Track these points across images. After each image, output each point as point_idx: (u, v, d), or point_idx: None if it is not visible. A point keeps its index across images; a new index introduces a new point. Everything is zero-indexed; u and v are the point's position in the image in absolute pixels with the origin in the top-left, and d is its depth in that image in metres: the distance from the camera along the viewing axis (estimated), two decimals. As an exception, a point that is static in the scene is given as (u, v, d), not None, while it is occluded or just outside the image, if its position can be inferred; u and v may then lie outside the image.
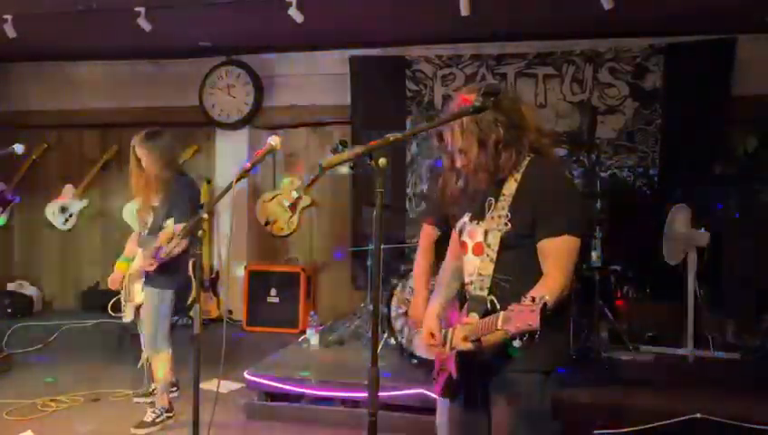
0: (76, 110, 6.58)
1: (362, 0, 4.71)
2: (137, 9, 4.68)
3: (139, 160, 3.84)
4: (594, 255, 4.60)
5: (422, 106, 5.91)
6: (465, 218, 2.13)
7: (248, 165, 2.74)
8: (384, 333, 4.45)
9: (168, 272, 3.76)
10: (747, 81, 5.12)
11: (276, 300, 5.72)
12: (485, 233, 2.03)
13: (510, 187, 2.01)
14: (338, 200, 6.14)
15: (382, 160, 1.85)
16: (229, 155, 6.25)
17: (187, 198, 3.82)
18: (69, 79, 6.57)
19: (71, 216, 6.61)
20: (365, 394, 1.92)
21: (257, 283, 5.78)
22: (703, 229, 4.55)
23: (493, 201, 2.03)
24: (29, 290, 6.58)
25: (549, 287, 1.88)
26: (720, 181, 5.12)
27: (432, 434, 2.36)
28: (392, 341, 4.39)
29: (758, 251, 5.06)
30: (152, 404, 3.91)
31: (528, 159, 2.02)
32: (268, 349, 4.90)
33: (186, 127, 6.25)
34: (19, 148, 3.89)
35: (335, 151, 5.21)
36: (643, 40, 5.40)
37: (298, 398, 4.01)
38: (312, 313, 5.18)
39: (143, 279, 3.83)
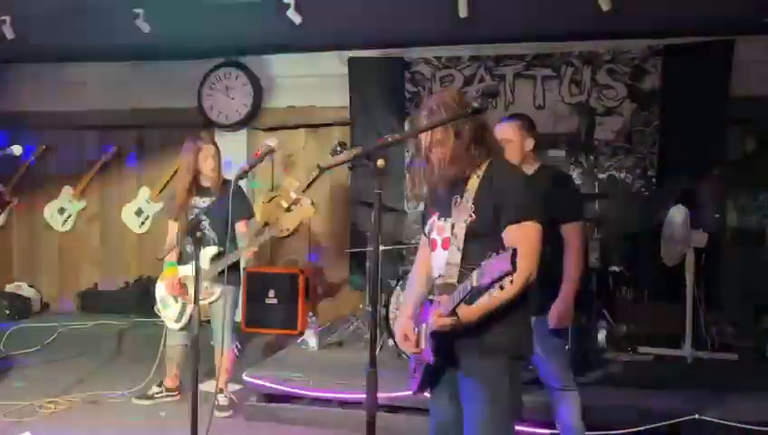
0: (74, 111, 6.58)
1: (361, 1, 4.71)
2: (135, 10, 4.69)
3: (196, 160, 3.97)
4: (593, 256, 4.61)
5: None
6: (434, 217, 2.27)
7: (247, 166, 2.75)
8: (383, 334, 4.45)
9: (237, 270, 4.13)
10: (745, 82, 5.13)
11: (275, 301, 5.72)
12: (452, 226, 2.16)
13: (473, 183, 2.17)
14: (336, 201, 6.15)
15: (381, 162, 1.86)
16: (228, 157, 6.24)
17: (246, 198, 4.24)
18: (67, 80, 6.57)
19: (69, 217, 6.61)
20: (364, 395, 1.92)
21: (256, 284, 5.77)
22: (701, 230, 4.56)
23: (458, 198, 2.17)
24: (27, 291, 6.58)
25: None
26: (718, 182, 5.12)
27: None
28: (391, 342, 4.39)
29: (756, 252, 5.07)
30: (221, 391, 4.06)
31: (488, 161, 2.20)
32: (267, 350, 4.90)
33: (184, 128, 6.25)
34: (17, 149, 3.90)
35: (334, 153, 5.21)
36: (641, 41, 5.41)
37: (297, 399, 4.01)
38: (310, 314, 5.18)
39: (206, 280, 3.93)
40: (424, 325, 2.17)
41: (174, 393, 4.31)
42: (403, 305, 2.43)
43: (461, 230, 2.11)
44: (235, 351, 4.26)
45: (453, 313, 2.00)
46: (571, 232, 2.93)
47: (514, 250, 1.74)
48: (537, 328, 2.50)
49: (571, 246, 2.92)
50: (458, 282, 2.05)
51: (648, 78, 5.41)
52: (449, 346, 2.14)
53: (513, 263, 1.72)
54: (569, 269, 2.91)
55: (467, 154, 2.16)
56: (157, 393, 4.29)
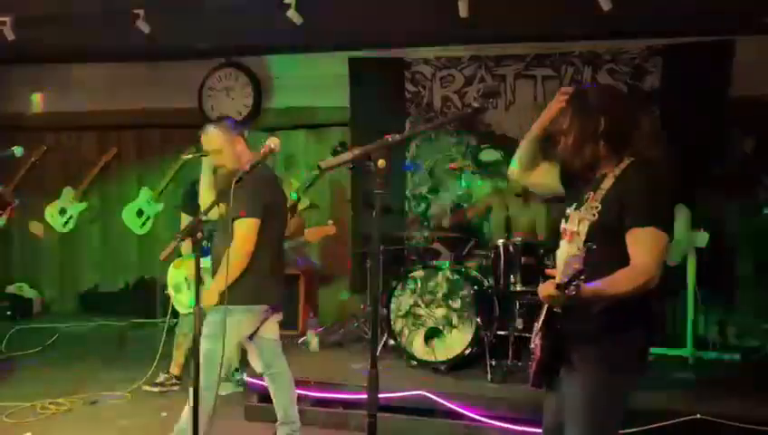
0: (75, 112, 6.58)
1: (361, 2, 4.71)
2: (136, 11, 4.69)
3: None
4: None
5: (421, 107, 5.92)
6: (571, 208, 2.20)
7: (247, 167, 2.74)
8: (384, 334, 4.45)
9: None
10: (745, 82, 5.12)
11: (276, 302, 5.70)
12: (579, 222, 2.11)
13: (607, 183, 2.10)
14: (337, 202, 6.14)
15: (381, 162, 1.85)
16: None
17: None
18: (68, 81, 6.57)
19: (70, 218, 6.61)
20: (365, 396, 1.92)
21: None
22: (702, 230, 4.55)
23: (591, 194, 2.12)
24: (28, 293, 6.58)
25: (625, 273, 1.95)
26: (719, 182, 5.12)
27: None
28: (392, 342, 4.39)
29: (757, 251, 5.06)
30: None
31: (629, 161, 2.11)
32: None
33: (185, 129, 6.25)
34: (18, 150, 3.91)
35: (334, 153, 5.22)
36: (641, 41, 5.41)
37: (298, 400, 4.00)
38: (311, 314, 5.18)
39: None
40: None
41: (179, 382, 4.36)
42: None
43: (584, 228, 2.07)
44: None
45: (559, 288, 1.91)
46: None
47: (589, 249, 1.77)
48: None
49: None
50: None
51: (649, 78, 5.41)
52: (561, 347, 2.09)
53: (587, 263, 1.74)
54: None
55: (591, 150, 2.11)
56: (166, 380, 4.41)
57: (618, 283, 1.93)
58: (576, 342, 2.07)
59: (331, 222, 5.39)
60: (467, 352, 4.11)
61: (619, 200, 2.04)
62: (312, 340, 4.84)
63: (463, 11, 4.37)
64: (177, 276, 4.18)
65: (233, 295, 2.81)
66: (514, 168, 2.43)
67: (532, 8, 4.73)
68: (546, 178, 2.36)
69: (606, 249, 1.99)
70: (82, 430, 3.86)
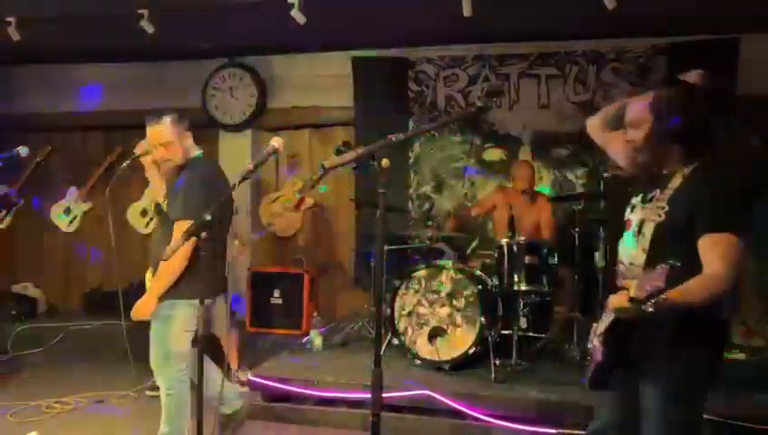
0: (80, 112, 6.60)
1: (364, 1, 4.71)
2: (140, 11, 4.70)
3: None
4: (597, 255, 4.60)
5: (425, 107, 5.91)
6: (638, 198, 2.15)
7: (251, 166, 2.74)
8: (388, 334, 4.45)
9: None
10: (750, 80, 5.10)
11: (279, 301, 5.72)
12: (642, 222, 2.06)
13: (675, 183, 2.04)
14: (341, 201, 6.15)
15: (385, 161, 1.85)
16: (232, 157, 6.26)
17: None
18: (73, 81, 6.59)
19: (75, 218, 6.63)
20: (368, 395, 1.92)
21: (260, 284, 5.78)
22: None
23: (657, 193, 2.07)
24: (33, 292, 6.60)
25: (697, 282, 1.88)
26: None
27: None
28: (396, 342, 4.39)
29: (763, 251, 5.04)
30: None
31: (700, 161, 2.05)
32: (271, 350, 4.90)
33: (189, 129, 6.26)
34: (23, 150, 3.92)
35: (338, 152, 5.22)
36: (646, 40, 5.39)
37: (302, 399, 4.01)
38: (315, 314, 5.18)
39: None
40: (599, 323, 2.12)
41: None
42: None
43: (649, 230, 2.02)
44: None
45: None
46: None
47: (670, 266, 1.70)
48: None
49: None
50: None
51: (653, 77, 5.39)
52: (626, 352, 2.06)
53: (669, 281, 1.68)
54: None
55: (661, 149, 2.06)
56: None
57: (690, 292, 1.86)
58: (647, 349, 2.03)
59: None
60: (471, 351, 4.11)
61: (688, 203, 1.97)
62: (316, 339, 4.84)
63: (466, 10, 4.37)
64: None
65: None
66: (595, 121, 2.36)
67: (535, 7, 4.73)
68: (618, 147, 2.27)
69: (674, 253, 1.90)
70: (87, 430, 3.87)
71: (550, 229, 4.88)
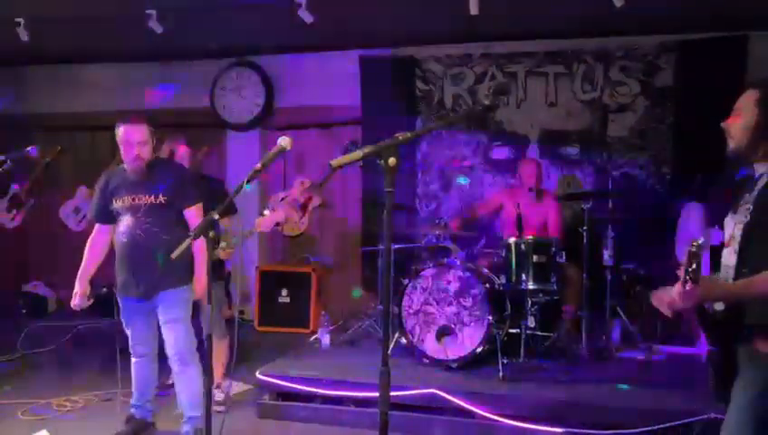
0: (89, 112, 6.63)
1: (372, 0, 4.71)
2: (149, 12, 4.72)
3: None
4: (606, 254, 4.58)
5: (432, 105, 5.91)
6: (729, 214, 2.16)
7: (259, 165, 2.75)
8: (395, 332, 4.45)
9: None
10: (760, 78, 5.06)
11: (287, 300, 5.74)
12: (734, 225, 2.06)
13: (761, 182, 2.03)
14: (348, 200, 6.15)
15: (392, 160, 1.85)
16: (240, 156, 6.28)
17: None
18: (82, 81, 6.63)
19: (84, 217, 6.67)
20: (376, 394, 1.93)
21: (269, 283, 5.79)
22: (717, 227, 4.50)
23: (746, 196, 2.07)
24: (43, 291, 6.64)
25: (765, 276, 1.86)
26: (733, 179, 5.07)
27: (441, 433, 2.35)
28: (404, 340, 4.39)
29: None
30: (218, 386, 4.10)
31: None
32: (279, 349, 4.91)
33: (197, 128, 6.29)
34: (33, 150, 3.94)
35: (346, 152, 5.23)
36: (654, 38, 5.37)
37: (310, 398, 4.02)
38: (323, 313, 5.19)
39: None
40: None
41: None
42: None
43: (739, 231, 2.02)
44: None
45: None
46: None
47: None
48: None
49: None
50: None
51: (662, 74, 5.37)
52: (730, 349, 2.04)
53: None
54: None
55: (755, 140, 2.06)
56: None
57: (755, 284, 1.87)
58: (740, 339, 2.02)
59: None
60: (479, 350, 4.10)
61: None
62: (324, 338, 4.85)
63: (473, 8, 4.36)
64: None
65: None
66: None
67: (543, 4, 4.71)
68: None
69: (763, 253, 1.90)
70: (98, 428, 3.89)
71: (557, 228, 4.87)
